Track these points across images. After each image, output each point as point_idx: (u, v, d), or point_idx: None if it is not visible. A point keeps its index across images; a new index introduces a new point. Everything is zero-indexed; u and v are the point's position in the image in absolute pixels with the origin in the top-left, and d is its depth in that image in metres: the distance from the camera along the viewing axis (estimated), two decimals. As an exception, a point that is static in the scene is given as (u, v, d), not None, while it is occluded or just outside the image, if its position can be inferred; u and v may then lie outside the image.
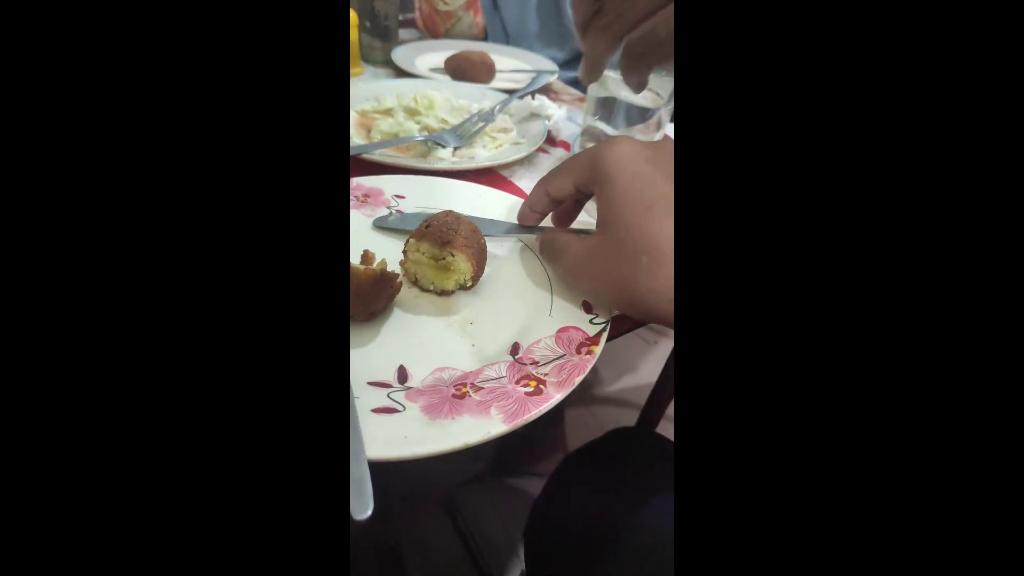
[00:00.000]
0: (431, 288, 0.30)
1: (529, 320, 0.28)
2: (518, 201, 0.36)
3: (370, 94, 0.54)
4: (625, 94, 0.37)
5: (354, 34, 0.63)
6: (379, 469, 0.19)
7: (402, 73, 0.66)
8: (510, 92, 0.58)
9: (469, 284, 0.29)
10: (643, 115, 0.38)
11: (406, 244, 0.29)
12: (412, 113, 0.50)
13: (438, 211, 0.31)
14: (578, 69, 0.31)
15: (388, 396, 0.23)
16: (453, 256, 0.28)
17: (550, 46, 0.84)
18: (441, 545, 0.74)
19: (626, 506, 0.34)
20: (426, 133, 0.47)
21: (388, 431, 0.21)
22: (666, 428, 0.60)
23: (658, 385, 0.77)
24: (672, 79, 0.36)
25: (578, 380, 0.24)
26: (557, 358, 0.25)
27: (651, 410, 0.78)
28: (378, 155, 0.42)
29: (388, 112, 0.51)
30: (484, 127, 0.49)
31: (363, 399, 0.22)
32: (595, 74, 0.30)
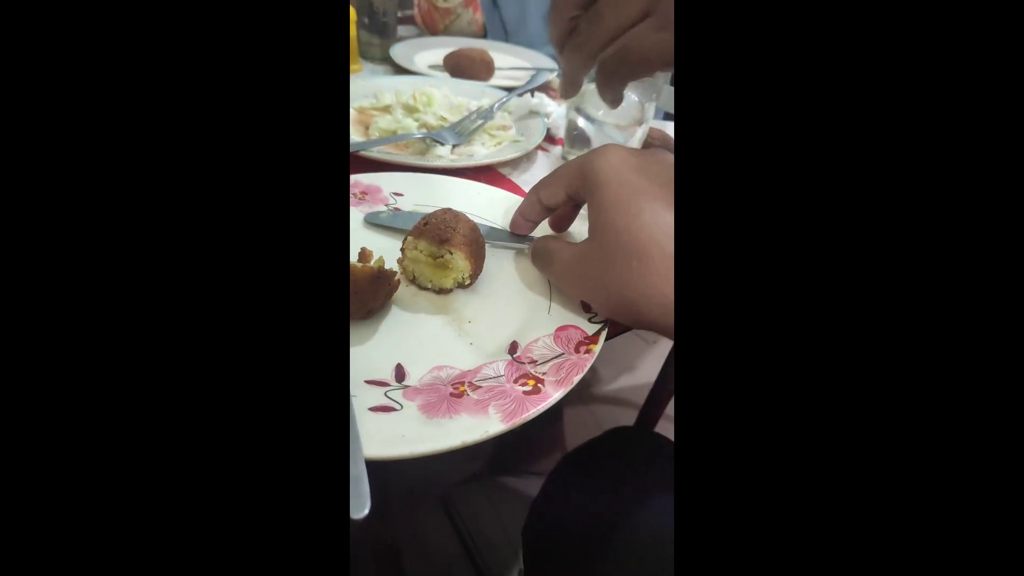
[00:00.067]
0: (429, 286, 0.30)
1: (527, 319, 0.28)
2: (517, 200, 0.36)
3: (368, 91, 0.54)
4: (602, 113, 0.38)
5: (353, 30, 0.63)
6: (376, 468, 0.19)
7: (401, 70, 0.66)
8: (509, 90, 0.57)
9: (467, 282, 0.29)
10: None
11: (404, 242, 0.29)
12: (411, 110, 0.50)
13: (434, 210, 0.31)
14: None
15: (385, 394, 0.23)
16: (451, 254, 0.28)
17: (549, 44, 0.83)
18: (439, 544, 0.74)
19: (624, 505, 0.34)
20: (425, 130, 0.47)
21: (385, 430, 0.20)
22: (665, 427, 0.60)
23: (657, 384, 0.77)
24: (647, 88, 0.37)
25: (577, 379, 0.23)
26: (556, 357, 0.25)
27: (650, 409, 0.78)
28: (376, 152, 0.41)
29: (386, 109, 0.51)
30: (483, 125, 0.49)
31: (360, 397, 0.22)
32: (573, 90, 0.31)
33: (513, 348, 0.26)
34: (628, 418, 0.93)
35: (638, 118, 0.39)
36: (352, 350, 0.25)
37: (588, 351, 0.25)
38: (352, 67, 0.65)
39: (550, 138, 0.52)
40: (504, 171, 0.45)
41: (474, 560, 0.72)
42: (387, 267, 0.26)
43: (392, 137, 0.45)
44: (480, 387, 0.23)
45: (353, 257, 0.29)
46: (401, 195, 0.37)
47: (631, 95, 0.37)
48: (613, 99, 0.29)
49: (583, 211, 0.32)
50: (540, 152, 0.50)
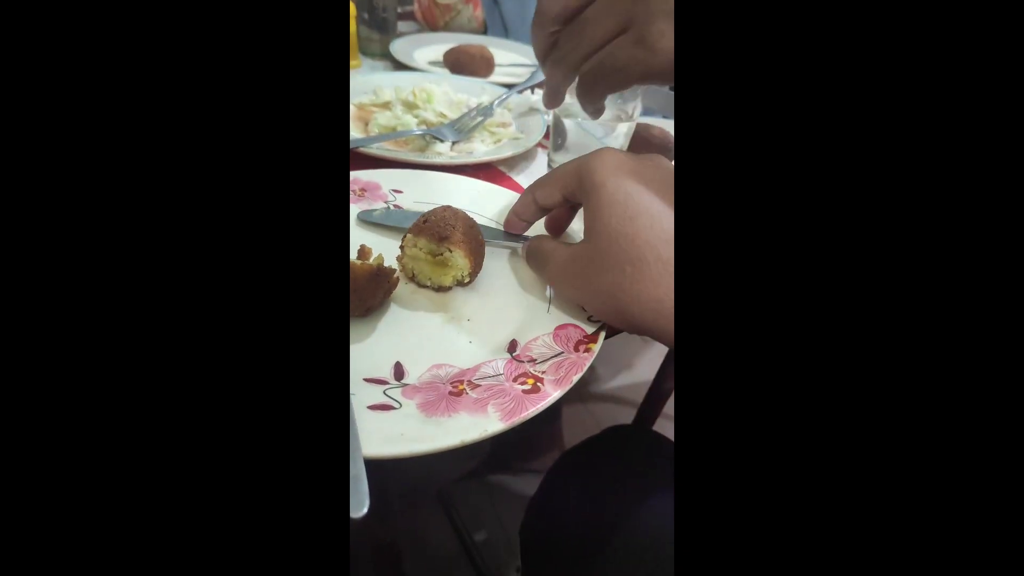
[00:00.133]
0: (428, 284, 0.30)
1: (527, 317, 0.28)
2: (516, 197, 0.36)
3: (368, 87, 0.54)
4: (582, 120, 0.39)
5: (352, 26, 0.63)
6: (375, 466, 0.19)
7: (400, 66, 0.65)
8: (509, 86, 0.57)
9: (467, 280, 0.29)
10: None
11: (404, 239, 0.29)
12: (410, 107, 0.50)
13: (433, 207, 0.30)
14: None
15: (384, 393, 0.23)
16: (451, 252, 0.28)
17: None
18: (437, 542, 0.74)
19: (623, 504, 0.34)
20: (424, 127, 0.47)
21: (384, 428, 0.20)
22: (663, 426, 0.60)
23: (655, 383, 0.77)
24: (623, 101, 0.38)
25: (576, 378, 0.23)
26: (555, 355, 0.25)
27: (648, 408, 0.78)
28: (376, 149, 0.41)
29: (386, 105, 0.51)
30: (483, 121, 0.48)
31: (359, 396, 0.22)
32: (556, 100, 0.32)
33: (512, 347, 0.26)
34: (626, 416, 0.94)
35: (618, 115, 0.39)
36: (351, 348, 0.25)
37: (587, 350, 0.25)
38: (352, 63, 0.64)
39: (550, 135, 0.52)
40: (504, 168, 0.45)
41: (472, 558, 0.72)
42: (386, 265, 0.26)
43: (392, 134, 0.44)
44: (479, 385, 0.23)
45: (352, 255, 0.29)
46: (400, 192, 0.37)
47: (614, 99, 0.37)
48: (593, 110, 0.30)
49: (580, 212, 0.32)
50: (540, 149, 0.49)
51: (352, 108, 0.51)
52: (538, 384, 0.23)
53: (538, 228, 0.33)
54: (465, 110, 0.50)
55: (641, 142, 0.44)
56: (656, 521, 0.32)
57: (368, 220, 0.34)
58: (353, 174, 0.37)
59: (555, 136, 0.41)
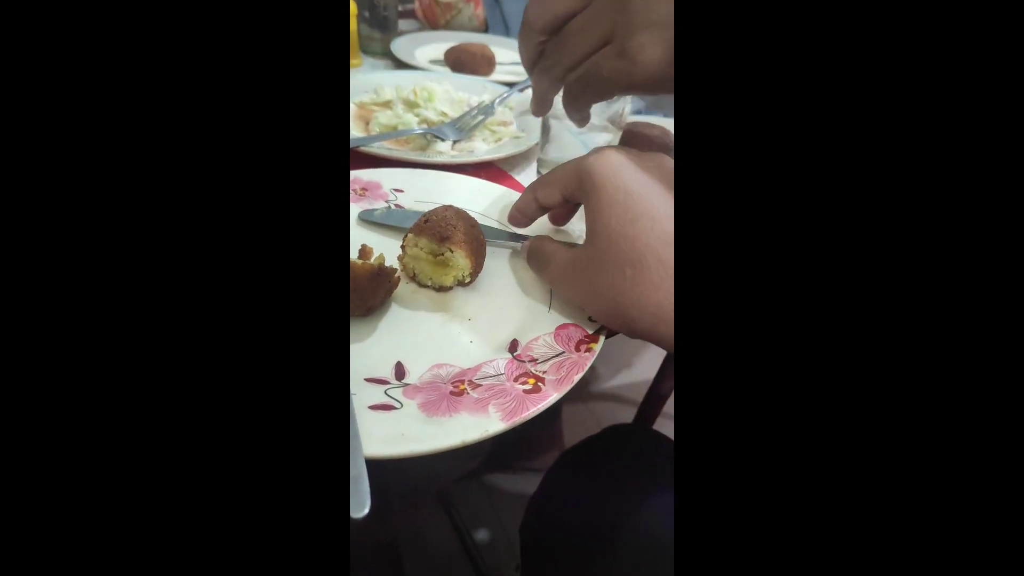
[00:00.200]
0: (429, 284, 0.29)
1: (528, 317, 0.28)
2: (517, 196, 0.36)
3: (369, 86, 0.54)
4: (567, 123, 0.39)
5: (353, 24, 0.62)
6: (376, 466, 0.19)
7: (401, 65, 0.65)
8: (510, 85, 0.57)
9: (468, 280, 0.29)
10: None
11: (405, 239, 0.29)
12: (411, 105, 0.50)
13: (434, 206, 0.30)
14: None
15: (385, 393, 0.23)
16: (452, 252, 0.28)
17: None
18: (437, 541, 0.74)
19: (623, 503, 0.34)
20: (425, 126, 0.47)
21: (385, 428, 0.20)
22: (663, 425, 0.60)
23: (655, 382, 0.77)
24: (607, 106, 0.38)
25: (577, 378, 0.23)
26: (556, 355, 0.25)
27: (648, 407, 0.78)
28: (376, 148, 0.41)
29: (387, 104, 0.51)
30: (484, 120, 0.48)
31: (360, 396, 0.22)
32: (544, 109, 0.32)
33: (513, 346, 0.26)
34: (626, 415, 0.94)
35: (604, 127, 0.40)
36: (352, 348, 0.25)
37: (588, 350, 0.25)
38: (353, 62, 0.64)
39: (551, 135, 0.52)
40: (505, 167, 0.45)
41: (472, 557, 0.72)
42: (387, 264, 0.26)
43: (393, 133, 0.44)
44: (480, 385, 0.23)
45: (353, 254, 0.29)
46: (401, 191, 0.37)
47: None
48: (579, 119, 0.31)
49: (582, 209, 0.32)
50: (541, 149, 0.49)
51: (353, 107, 0.51)
52: (539, 384, 0.23)
53: (539, 226, 0.33)
54: (466, 109, 0.50)
55: (642, 141, 0.44)
56: (656, 520, 0.32)
57: (369, 219, 0.34)
58: (354, 173, 0.37)
59: (542, 135, 0.42)
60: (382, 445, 0.19)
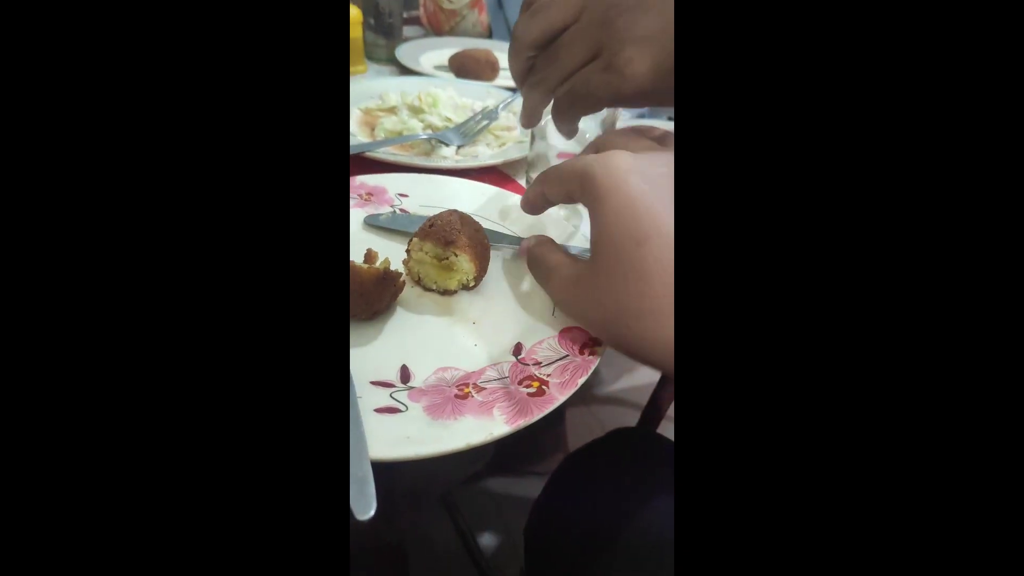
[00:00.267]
0: (434, 287, 0.30)
1: (532, 320, 0.28)
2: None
3: (374, 92, 0.54)
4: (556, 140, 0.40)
5: (358, 31, 0.63)
6: (381, 468, 0.19)
7: (406, 71, 0.66)
8: (514, 90, 0.58)
9: (472, 284, 0.29)
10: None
11: (410, 243, 0.29)
12: (416, 111, 0.50)
13: (439, 211, 0.31)
14: None
15: (391, 396, 0.23)
16: (456, 256, 0.28)
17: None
18: (442, 544, 0.74)
19: (626, 506, 0.34)
20: (430, 131, 0.47)
21: (391, 431, 0.21)
22: (667, 428, 0.60)
23: (659, 385, 0.77)
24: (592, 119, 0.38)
25: (581, 381, 0.23)
26: (560, 359, 0.25)
27: (652, 410, 0.78)
28: (382, 153, 0.42)
29: (392, 110, 0.51)
30: (488, 125, 0.49)
31: (366, 399, 0.22)
32: (533, 121, 0.32)
33: (518, 350, 0.26)
34: (630, 419, 0.93)
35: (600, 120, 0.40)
36: (357, 351, 0.26)
37: (592, 353, 0.25)
38: (358, 68, 0.65)
39: (555, 139, 0.52)
40: (509, 172, 0.46)
41: (476, 560, 0.72)
42: (392, 268, 0.26)
43: (397, 138, 0.45)
44: (485, 388, 0.23)
45: (359, 258, 0.29)
46: (406, 196, 0.38)
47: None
48: (568, 132, 0.31)
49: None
50: (544, 153, 0.50)
51: (358, 113, 0.51)
52: (543, 387, 0.23)
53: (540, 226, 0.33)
54: (470, 114, 0.51)
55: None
56: (659, 523, 0.32)
57: (374, 224, 0.34)
58: (359, 178, 0.38)
59: (530, 145, 0.42)
60: (387, 447, 0.20)
